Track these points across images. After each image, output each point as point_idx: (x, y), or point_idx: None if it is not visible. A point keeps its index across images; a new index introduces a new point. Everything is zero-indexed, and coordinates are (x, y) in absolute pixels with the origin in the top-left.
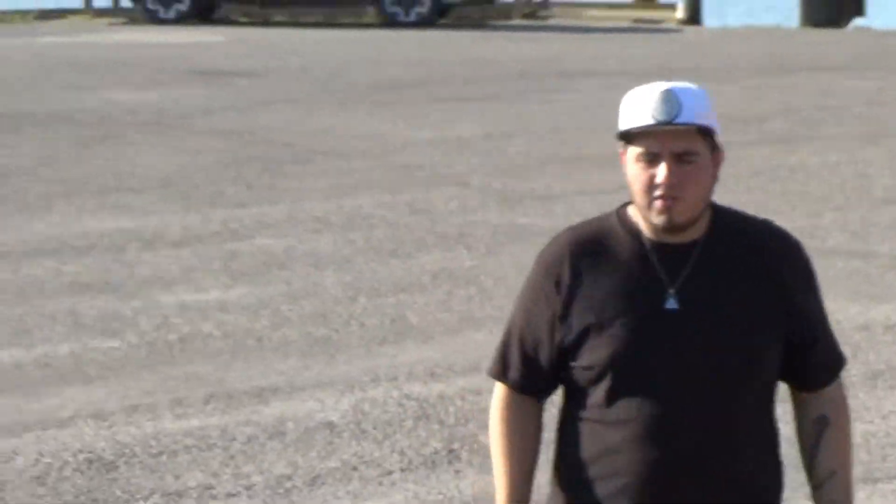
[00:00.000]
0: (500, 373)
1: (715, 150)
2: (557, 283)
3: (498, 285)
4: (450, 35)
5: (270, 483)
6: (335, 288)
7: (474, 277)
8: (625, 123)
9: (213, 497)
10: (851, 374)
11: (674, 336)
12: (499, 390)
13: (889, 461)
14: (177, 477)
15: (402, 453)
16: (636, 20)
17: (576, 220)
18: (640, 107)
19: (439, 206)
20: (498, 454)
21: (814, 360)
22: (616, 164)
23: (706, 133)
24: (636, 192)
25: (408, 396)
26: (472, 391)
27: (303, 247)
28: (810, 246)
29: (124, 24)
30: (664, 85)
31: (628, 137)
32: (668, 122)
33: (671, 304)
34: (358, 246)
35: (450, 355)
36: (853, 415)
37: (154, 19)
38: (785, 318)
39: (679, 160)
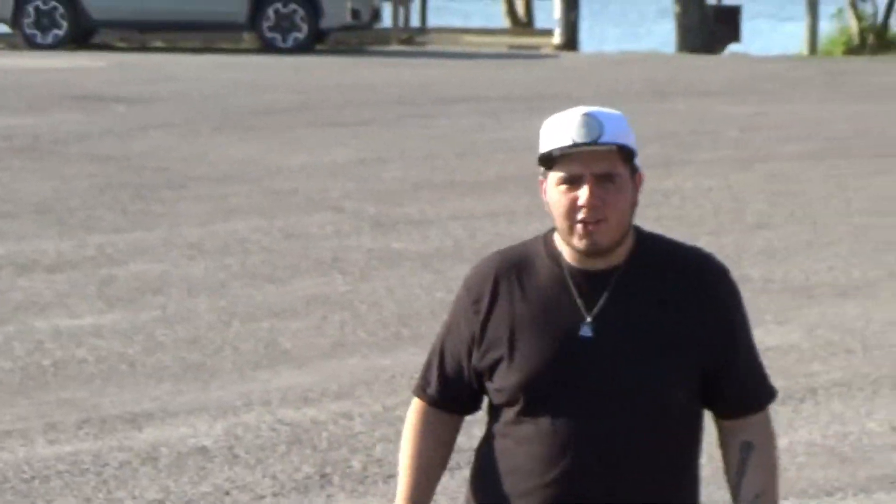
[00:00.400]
0: (420, 389)
1: (635, 172)
2: (477, 305)
3: (371, 310)
4: (327, 60)
5: None
6: (209, 313)
7: (348, 302)
8: (546, 147)
9: None
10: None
11: (586, 363)
12: (415, 406)
13: None
14: (49, 502)
15: (274, 478)
16: (513, 46)
17: (450, 245)
18: (560, 130)
19: (314, 232)
20: (404, 459)
21: (734, 390)
22: (489, 190)
23: (627, 155)
24: (558, 216)
25: (281, 421)
26: (344, 416)
27: (177, 272)
28: None
29: (1, 49)
30: (584, 109)
31: (549, 162)
32: (590, 144)
33: (586, 331)
34: (232, 271)
35: (323, 380)
36: None
37: (32, 44)
38: (705, 346)
39: (601, 182)
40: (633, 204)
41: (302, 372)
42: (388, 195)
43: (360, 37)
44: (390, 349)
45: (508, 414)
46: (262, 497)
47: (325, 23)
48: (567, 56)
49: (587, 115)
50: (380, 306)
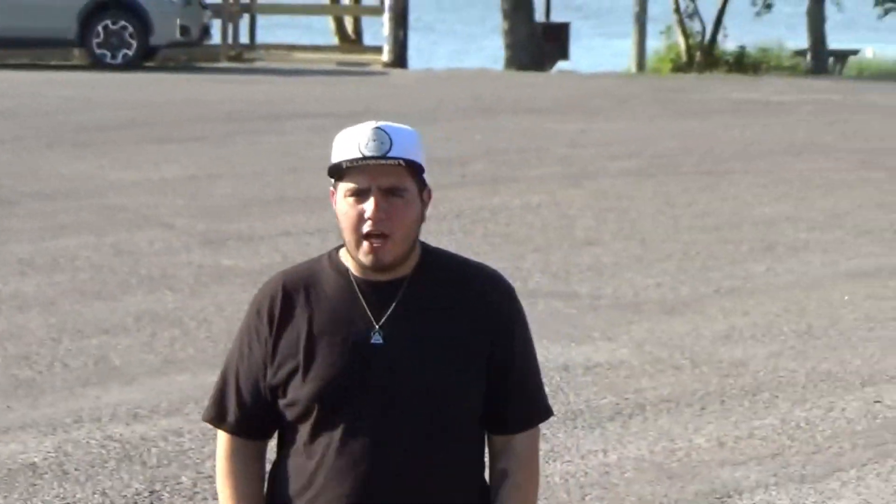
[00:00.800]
0: (217, 418)
1: (423, 188)
2: (270, 324)
3: (201, 327)
4: (157, 77)
5: None
6: (40, 330)
7: (178, 319)
8: (336, 158)
9: None
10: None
11: (377, 371)
12: (221, 438)
13: (588, 501)
14: None
15: (104, 494)
16: (342, 63)
17: (279, 261)
18: (350, 143)
19: (143, 248)
20: (224, 497)
21: (507, 406)
22: (319, 206)
23: (415, 171)
24: (345, 228)
25: (111, 438)
26: (174, 432)
27: (7, 289)
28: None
29: None
30: (375, 123)
31: (339, 174)
32: (378, 157)
33: (376, 338)
34: (63, 288)
35: (153, 397)
36: (553, 454)
37: None
38: (486, 360)
39: (387, 196)
40: (421, 219)
41: (132, 388)
42: (219, 211)
43: (189, 53)
44: (219, 366)
45: (303, 429)
46: None
47: (155, 39)
48: (396, 73)
49: (377, 129)
50: (209, 323)
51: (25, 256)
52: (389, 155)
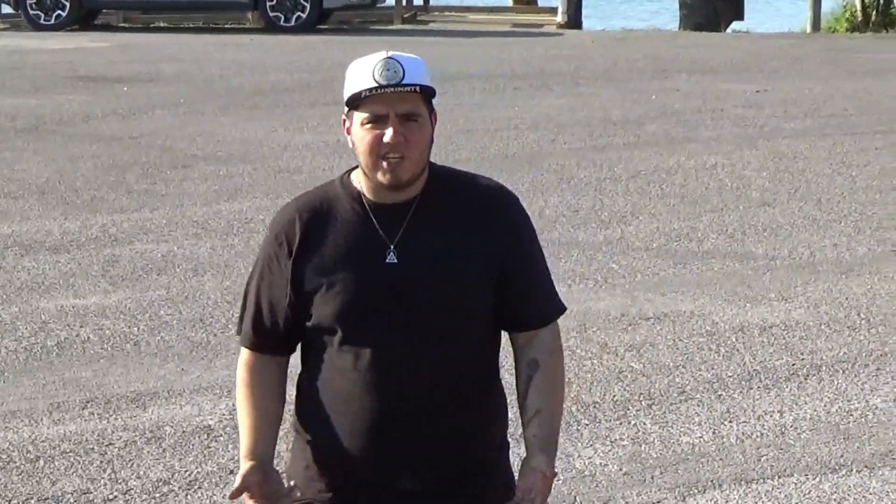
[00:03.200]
0: (244, 337)
1: (432, 111)
2: (289, 248)
3: None
4: (331, 40)
5: (147, 488)
6: (214, 292)
7: None
8: (351, 89)
9: (91, 502)
10: (727, 375)
11: (394, 287)
12: (242, 353)
13: (763, 462)
14: (54, 482)
15: (278, 456)
16: (516, 24)
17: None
18: (364, 73)
19: None
20: (242, 413)
21: (524, 305)
22: (492, 167)
23: (427, 96)
24: (362, 153)
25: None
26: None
27: (182, 252)
28: (688, 248)
29: (5, 29)
30: (385, 53)
31: (355, 103)
32: (395, 85)
33: (391, 258)
34: (237, 250)
35: None
36: (728, 415)
37: (36, 26)
38: (495, 265)
39: (404, 121)
40: (431, 141)
41: None
42: None
43: (363, 16)
44: None
45: (327, 346)
46: None
47: (329, 2)
48: (570, 34)
49: (390, 59)
50: None
51: (200, 219)
52: (404, 82)
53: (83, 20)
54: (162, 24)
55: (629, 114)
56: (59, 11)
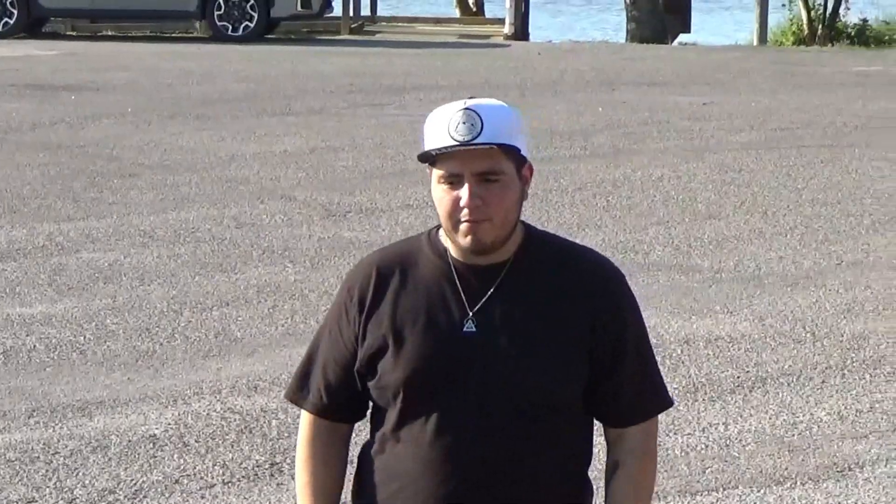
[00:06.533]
0: (301, 397)
1: (523, 164)
2: (361, 304)
3: (322, 299)
4: (278, 49)
5: (93, 497)
6: (160, 302)
7: (299, 291)
8: (426, 145)
9: None
10: (672, 387)
11: (469, 359)
12: (304, 418)
13: (708, 474)
14: None
15: (224, 466)
16: (463, 35)
17: (400, 233)
18: (440, 127)
19: (265, 220)
20: (301, 483)
21: (617, 398)
22: None
23: (510, 150)
24: (442, 214)
25: (231, 410)
26: (294, 405)
27: (129, 261)
28: (633, 260)
29: None
30: (464, 103)
31: (431, 159)
32: (468, 143)
33: (469, 326)
34: (184, 260)
35: (273, 369)
36: (673, 427)
37: None
38: (590, 348)
39: (482, 180)
40: (522, 199)
41: (252, 360)
42: (339, 184)
43: (310, 26)
44: None
45: (392, 415)
46: (212, 485)
47: (276, 12)
48: (517, 45)
49: (467, 111)
50: (329, 295)
51: (147, 228)
52: (479, 141)
53: (31, 28)
54: (110, 33)
55: (576, 126)
56: (7, 19)
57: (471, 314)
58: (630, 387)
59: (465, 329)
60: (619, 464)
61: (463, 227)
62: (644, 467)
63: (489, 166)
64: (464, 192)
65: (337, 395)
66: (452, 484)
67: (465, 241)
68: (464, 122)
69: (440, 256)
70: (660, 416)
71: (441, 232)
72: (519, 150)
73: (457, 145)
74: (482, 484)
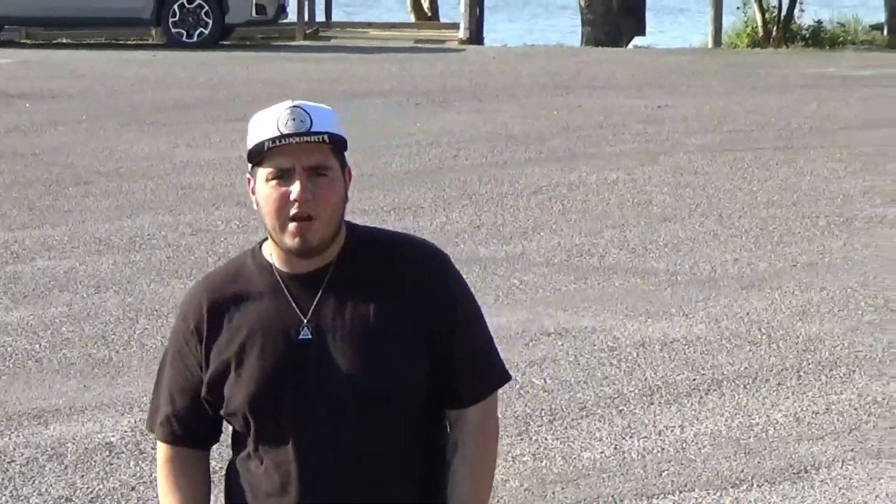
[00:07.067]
0: (158, 429)
1: (345, 166)
2: (198, 334)
3: None
4: (233, 56)
5: None
6: (116, 309)
7: None
8: (253, 141)
9: None
10: (628, 391)
11: (309, 367)
12: (160, 446)
13: (664, 477)
14: None
15: None
16: (418, 40)
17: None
18: (268, 124)
19: (220, 227)
20: None
21: (455, 380)
22: (395, 184)
23: (338, 148)
24: (267, 214)
25: None
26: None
27: (84, 268)
28: (589, 263)
29: None
30: (291, 102)
31: (258, 157)
32: (301, 134)
33: (304, 334)
34: (139, 267)
35: None
36: (629, 430)
37: None
38: (427, 333)
39: (312, 175)
40: (345, 199)
41: None
42: None
43: (265, 32)
44: None
45: (249, 436)
46: None
47: (231, 18)
48: (472, 50)
49: (295, 107)
50: None
51: (102, 236)
52: (313, 130)
53: None
54: (65, 41)
55: (531, 129)
56: None
57: (304, 321)
58: (466, 367)
59: (300, 337)
60: (457, 445)
61: (291, 227)
62: (482, 447)
63: (320, 160)
64: (294, 187)
65: (188, 423)
66: (307, 497)
67: (293, 242)
68: (293, 119)
69: (265, 271)
70: (618, 421)
71: (264, 246)
72: (346, 145)
73: (291, 135)
74: (342, 490)
